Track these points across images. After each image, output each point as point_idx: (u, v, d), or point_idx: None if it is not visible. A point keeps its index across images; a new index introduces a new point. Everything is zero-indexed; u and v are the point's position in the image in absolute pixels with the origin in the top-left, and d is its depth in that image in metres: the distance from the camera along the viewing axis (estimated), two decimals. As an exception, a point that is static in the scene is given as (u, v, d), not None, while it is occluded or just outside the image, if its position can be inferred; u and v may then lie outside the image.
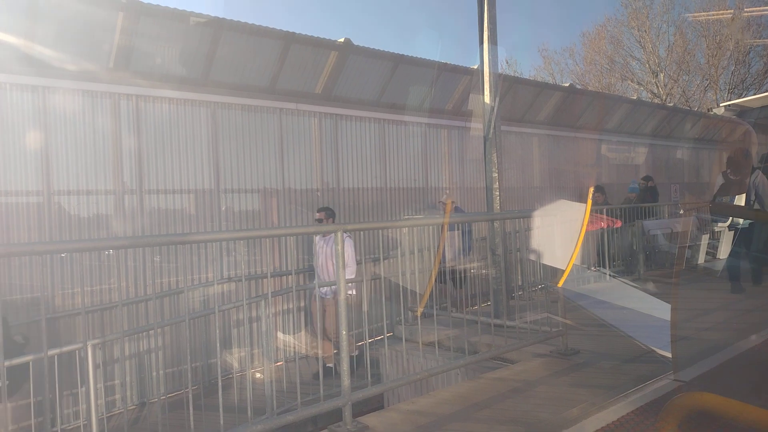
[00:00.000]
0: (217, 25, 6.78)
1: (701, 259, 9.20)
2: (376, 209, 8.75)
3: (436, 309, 4.43)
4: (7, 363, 2.95)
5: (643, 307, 6.00)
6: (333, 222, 6.71)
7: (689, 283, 7.91)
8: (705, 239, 9.29)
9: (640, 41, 28.84)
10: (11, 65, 5.75)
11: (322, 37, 7.80)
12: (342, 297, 3.49)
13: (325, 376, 4.53)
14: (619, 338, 5.09)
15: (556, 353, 4.74)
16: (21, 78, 5.87)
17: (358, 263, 6.56)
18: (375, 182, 8.84)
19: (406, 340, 4.40)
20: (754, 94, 22.29)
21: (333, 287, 6.01)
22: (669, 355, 4.11)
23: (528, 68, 42.67)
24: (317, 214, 6.78)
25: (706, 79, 28.53)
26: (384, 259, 4.23)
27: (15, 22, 5.70)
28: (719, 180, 7.37)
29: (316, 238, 6.74)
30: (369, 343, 4.20)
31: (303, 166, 8.02)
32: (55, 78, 6.03)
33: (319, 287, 5.09)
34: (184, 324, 5.32)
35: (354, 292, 6.30)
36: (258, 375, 4.90)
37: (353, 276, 6.31)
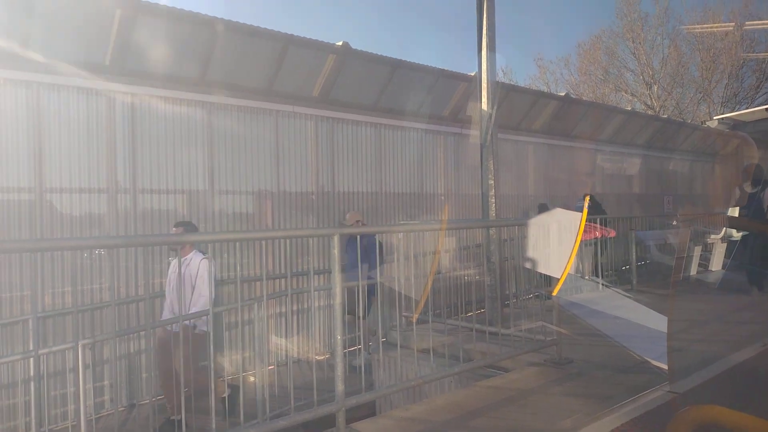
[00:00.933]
0: (215, 26, 6.75)
1: (693, 270, 9.25)
2: (372, 214, 8.73)
3: (431, 315, 4.41)
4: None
5: (637, 318, 6.01)
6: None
7: (682, 294, 7.93)
8: (697, 251, 9.34)
9: (634, 53, 29.10)
10: (6, 60, 5.68)
11: (320, 40, 7.80)
12: (338, 301, 3.45)
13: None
14: (612, 348, 5.09)
15: (550, 362, 4.73)
16: (15, 73, 5.81)
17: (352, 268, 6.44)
18: (370, 187, 8.82)
19: (399, 346, 4.37)
20: (747, 108, 22.52)
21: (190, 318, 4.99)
22: (663, 366, 4.10)
23: (523, 77, 42.92)
24: (173, 230, 5.68)
25: (700, 92, 28.81)
26: (380, 264, 4.21)
27: (10, 18, 5.64)
28: (735, 193, 7.63)
29: (173, 262, 5.65)
30: (362, 348, 4.17)
31: (298, 169, 7.98)
32: (49, 74, 5.97)
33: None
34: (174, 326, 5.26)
35: (206, 329, 5.07)
36: (251, 378, 4.85)
37: (206, 306, 5.06)
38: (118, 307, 5.96)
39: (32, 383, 4.18)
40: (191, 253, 5.41)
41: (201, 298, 5.18)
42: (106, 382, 5.82)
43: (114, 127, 6.43)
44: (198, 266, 5.26)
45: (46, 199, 6.01)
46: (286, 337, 6.13)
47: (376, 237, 6.56)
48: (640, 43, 28.65)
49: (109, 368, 5.75)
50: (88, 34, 6.14)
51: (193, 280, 5.23)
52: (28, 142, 5.91)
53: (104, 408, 5.75)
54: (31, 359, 4.23)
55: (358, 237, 3.89)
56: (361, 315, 4.10)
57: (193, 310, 5.12)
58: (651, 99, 28.57)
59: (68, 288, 5.76)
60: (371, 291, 5.93)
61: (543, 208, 9.52)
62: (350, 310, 6.20)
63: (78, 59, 6.13)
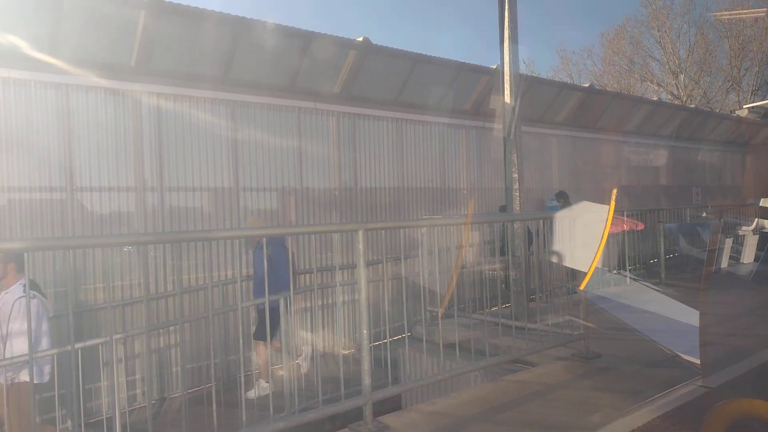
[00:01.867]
0: (238, 24, 6.81)
1: (725, 263, 9.04)
2: (394, 209, 8.73)
3: (456, 310, 4.39)
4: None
5: (666, 312, 5.90)
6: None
7: (713, 288, 7.77)
8: (729, 243, 9.12)
9: (660, 42, 28.50)
10: (35, 63, 5.82)
11: (341, 36, 7.81)
12: (363, 296, 3.46)
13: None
14: (641, 342, 5.01)
15: (578, 357, 4.68)
16: (45, 76, 5.94)
17: (377, 263, 6.42)
18: (392, 182, 8.82)
19: (425, 341, 4.37)
20: (778, 96, 21.86)
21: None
22: (695, 360, 4.03)
23: (545, 68, 42.33)
24: None
25: (728, 81, 28.08)
26: (405, 259, 4.21)
27: (39, 21, 5.77)
28: None
29: None
30: (388, 342, 4.16)
31: (321, 165, 8.02)
32: (78, 76, 6.10)
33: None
34: (204, 320, 5.35)
35: (27, 379, 3.85)
36: (281, 372, 4.90)
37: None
38: (149, 303, 6.08)
39: (73, 376, 4.26)
40: (14, 286, 4.23)
41: (12, 346, 4.07)
42: (137, 376, 5.95)
43: (140, 126, 6.55)
44: (11, 307, 4.10)
45: (76, 198, 6.15)
46: (312, 331, 6.18)
47: (285, 244, 5.75)
48: (665, 31, 28.04)
49: (141, 362, 5.88)
50: (114, 36, 6.25)
51: (6, 320, 4.10)
52: (58, 142, 6.05)
53: (136, 401, 5.89)
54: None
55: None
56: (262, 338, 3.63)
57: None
58: (677, 88, 27.96)
59: (100, 284, 5.89)
60: (274, 309, 4.87)
61: (562, 196, 9.46)
62: (257, 335, 5.63)
63: (105, 61, 6.25)
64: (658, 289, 7.61)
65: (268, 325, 3.56)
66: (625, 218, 8.18)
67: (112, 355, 2.90)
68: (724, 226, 9.27)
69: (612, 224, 4.68)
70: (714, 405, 1.85)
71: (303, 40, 7.38)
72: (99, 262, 5.96)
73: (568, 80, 28.53)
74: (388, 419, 3.55)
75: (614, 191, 4.67)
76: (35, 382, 3.74)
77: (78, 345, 3.94)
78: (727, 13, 26.42)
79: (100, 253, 5.88)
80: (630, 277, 7.95)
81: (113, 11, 6.12)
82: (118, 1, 6.07)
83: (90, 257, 5.99)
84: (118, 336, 3.80)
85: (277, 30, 7.17)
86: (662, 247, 8.54)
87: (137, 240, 3.86)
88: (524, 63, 30.29)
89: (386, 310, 3.86)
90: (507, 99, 6.28)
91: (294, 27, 7.31)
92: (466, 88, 9.51)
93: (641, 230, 8.58)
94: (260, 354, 5.89)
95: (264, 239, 5.10)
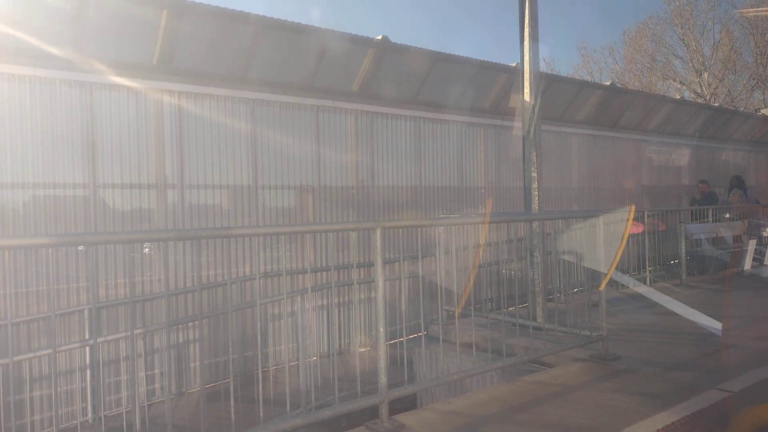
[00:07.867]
0: (258, 23, 6.86)
1: (748, 265, 8.85)
2: (411, 207, 8.72)
3: (473, 310, 4.38)
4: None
5: (687, 314, 5.81)
6: None
7: (735, 290, 7.62)
8: (752, 245, 8.94)
9: (683, 39, 28.02)
10: (60, 62, 5.94)
11: (360, 34, 7.82)
12: (380, 294, 3.47)
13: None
14: (661, 344, 4.94)
15: (596, 358, 4.63)
16: (69, 74, 6.06)
17: (394, 261, 6.40)
18: (410, 180, 8.81)
19: (441, 340, 4.37)
20: (806, 95, 21.33)
21: None
22: (716, 363, 3.96)
23: (566, 66, 41.91)
24: None
25: (754, 79, 27.50)
26: (423, 257, 4.20)
27: (63, 22, 5.88)
28: None
29: None
30: (404, 340, 4.18)
31: (339, 164, 8.05)
32: (101, 74, 6.20)
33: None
34: (222, 316, 5.41)
35: None
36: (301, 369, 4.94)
37: None
38: (168, 298, 6.17)
39: (88, 371, 4.38)
40: None
41: None
42: (156, 371, 6.04)
43: (162, 124, 6.64)
44: None
45: (99, 195, 6.26)
46: (328, 329, 6.22)
47: None
48: (689, 28, 27.56)
49: (160, 357, 5.97)
50: (137, 36, 6.35)
51: None
52: (81, 140, 6.16)
53: (155, 395, 5.98)
54: (88, 348, 4.44)
55: None
56: None
57: None
58: (701, 87, 27.45)
59: (121, 280, 6.00)
60: None
61: None
62: None
63: (128, 60, 6.35)
64: (678, 290, 7.49)
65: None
66: (646, 218, 8.07)
67: (133, 349, 2.95)
68: (747, 227, 9.08)
69: (632, 226, 4.62)
70: (737, 410, 1.81)
71: (322, 38, 7.40)
72: (120, 258, 6.07)
73: (589, 78, 28.22)
74: (404, 418, 3.55)
75: (632, 208, 4.60)
76: None
77: (99, 339, 4.01)
78: (753, 10, 25.85)
79: (121, 249, 5.98)
80: (650, 278, 7.84)
81: (136, 11, 6.22)
82: (141, 1, 6.16)
83: (111, 253, 6.09)
84: (139, 331, 3.86)
85: (297, 29, 7.21)
86: (683, 247, 8.40)
87: (158, 237, 3.92)
88: (544, 61, 30.12)
89: (403, 308, 3.86)
90: (527, 97, 6.21)
91: (313, 25, 7.34)
92: (486, 86, 9.46)
93: (662, 231, 8.44)
94: None
95: None
